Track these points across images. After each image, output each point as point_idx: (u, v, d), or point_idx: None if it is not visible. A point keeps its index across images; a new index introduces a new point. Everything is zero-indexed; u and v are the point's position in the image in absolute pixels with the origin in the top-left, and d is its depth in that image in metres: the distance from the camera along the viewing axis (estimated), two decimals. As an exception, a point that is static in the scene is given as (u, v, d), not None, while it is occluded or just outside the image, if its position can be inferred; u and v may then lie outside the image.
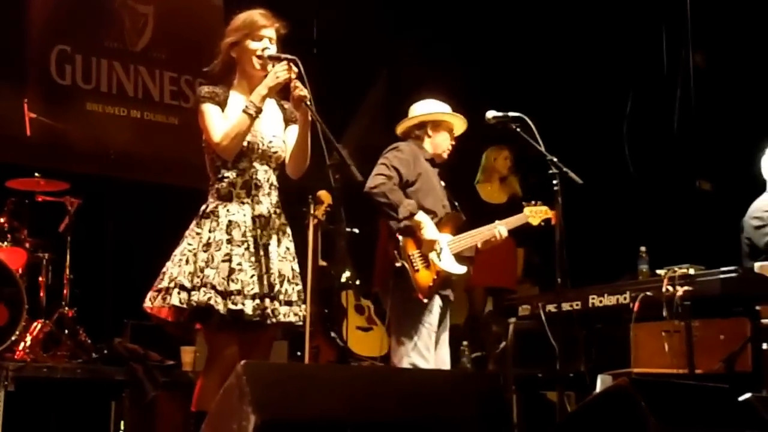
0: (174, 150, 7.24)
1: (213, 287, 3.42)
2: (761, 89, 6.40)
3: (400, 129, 4.79)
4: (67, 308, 5.87)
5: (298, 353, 5.41)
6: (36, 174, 5.92)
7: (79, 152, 6.76)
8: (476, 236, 4.68)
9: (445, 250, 4.50)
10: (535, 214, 4.84)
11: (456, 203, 4.76)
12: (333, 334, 6.40)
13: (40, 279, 5.90)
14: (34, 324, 5.67)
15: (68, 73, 7.10)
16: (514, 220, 4.85)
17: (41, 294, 5.87)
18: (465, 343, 6.27)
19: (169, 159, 7.30)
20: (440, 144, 4.72)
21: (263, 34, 3.63)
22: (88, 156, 6.77)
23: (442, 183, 4.74)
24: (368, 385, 2.81)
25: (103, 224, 6.60)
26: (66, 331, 5.77)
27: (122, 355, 5.60)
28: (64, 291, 5.93)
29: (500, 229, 4.72)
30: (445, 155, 4.77)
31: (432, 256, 4.42)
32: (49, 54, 7.03)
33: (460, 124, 4.78)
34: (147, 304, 3.54)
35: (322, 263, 6.28)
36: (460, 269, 4.54)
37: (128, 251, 6.69)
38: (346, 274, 6.81)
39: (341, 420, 2.62)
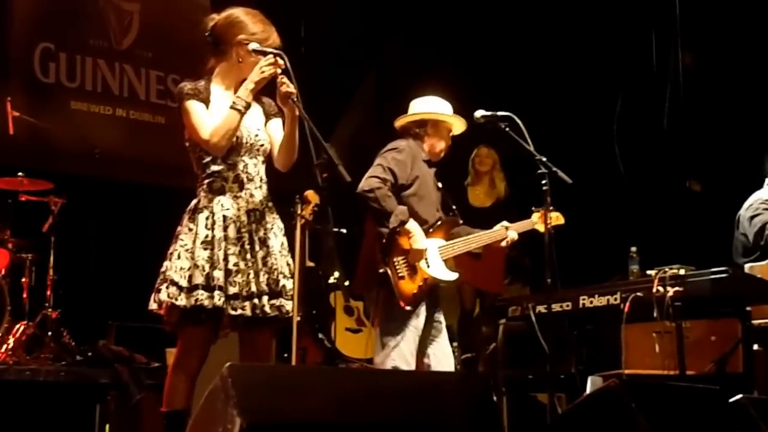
0: (160, 149, 7.17)
1: (220, 288, 3.40)
2: (751, 89, 6.39)
3: (398, 123, 4.70)
4: (50, 310, 5.80)
5: (285, 355, 5.36)
6: (19, 173, 5.86)
7: (63, 151, 6.71)
8: (471, 242, 4.60)
9: (435, 256, 4.44)
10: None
11: (453, 206, 4.70)
12: (320, 336, 6.36)
13: (23, 280, 5.84)
14: (17, 326, 5.61)
15: (52, 71, 7.04)
16: (522, 225, 4.73)
17: (24, 295, 5.82)
18: (455, 344, 6.22)
19: (154, 159, 7.23)
20: (437, 144, 4.66)
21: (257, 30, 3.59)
22: (73, 155, 6.72)
23: (439, 184, 4.68)
24: (355, 387, 2.77)
25: (88, 224, 6.56)
26: (49, 333, 5.70)
27: (107, 358, 5.54)
28: (48, 292, 5.86)
29: (511, 234, 4.64)
30: (441, 155, 4.72)
31: (420, 264, 4.37)
32: (32, 52, 6.96)
33: (459, 125, 4.72)
34: (151, 306, 3.51)
35: (310, 264, 6.24)
36: (450, 276, 4.48)
37: (113, 252, 6.64)
38: (335, 275, 6.77)
39: (328, 422, 2.58)
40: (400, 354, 4.32)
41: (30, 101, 6.63)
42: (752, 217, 5.03)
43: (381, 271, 4.30)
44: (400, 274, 4.32)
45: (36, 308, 5.80)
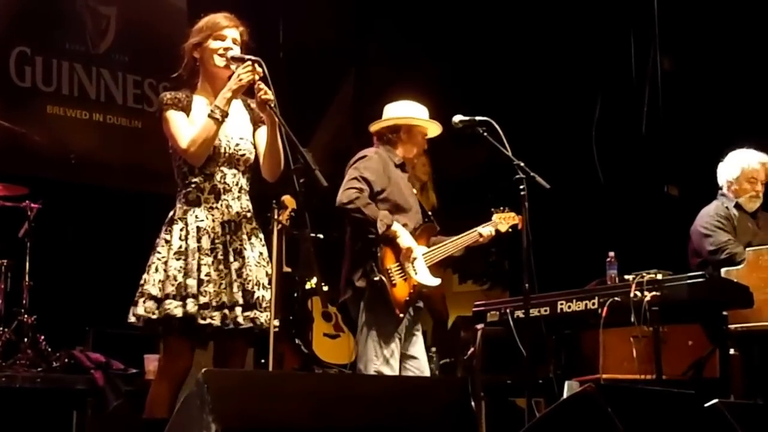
0: (137, 154, 7.13)
1: (194, 296, 3.40)
2: (729, 93, 6.42)
3: (373, 128, 4.71)
4: (26, 315, 5.73)
5: (262, 360, 5.35)
6: (-6, 178, 5.81)
7: (39, 156, 6.62)
8: (450, 246, 4.63)
9: (420, 262, 4.46)
10: (504, 220, 4.78)
11: (429, 213, 4.70)
12: (297, 341, 6.34)
13: (-1, 286, 5.78)
14: (-7, 332, 5.55)
15: (28, 75, 6.97)
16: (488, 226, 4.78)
17: (0, 301, 5.75)
18: (433, 349, 6.22)
19: (131, 163, 7.19)
20: (411, 149, 4.67)
21: (225, 34, 3.62)
22: (49, 160, 6.65)
23: (414, 191, 4.68)
24: (332, 392, 2.76)
25: (64, 230, 6.50)
26: (25, 339, 5.63)
27: (84, 364, 5.50)
28: (24, 298, 5.80)
29: (486, 230, 4.71)
30: (415, 160, 4.72)
31: (408, 267, 4.37)
32: (8, 56, 6.88)
33: (434, 129, 4.72)
34: (130, 318, 3.51)
35: (287, 269, 6.22)
36: (434, 281, 4.51)
37: (89, 257, 6.59)
38: (313, 280, 6.75)
39: (303, 427, 2.57)
40: (384, 360, 4.33)
41: (5, 106, 6.57)
42: (705, 236, 5.05)
43: (376, 279, 4.30)
44: (393, 282, 4.33)
45: (12, 314, 5.74)
